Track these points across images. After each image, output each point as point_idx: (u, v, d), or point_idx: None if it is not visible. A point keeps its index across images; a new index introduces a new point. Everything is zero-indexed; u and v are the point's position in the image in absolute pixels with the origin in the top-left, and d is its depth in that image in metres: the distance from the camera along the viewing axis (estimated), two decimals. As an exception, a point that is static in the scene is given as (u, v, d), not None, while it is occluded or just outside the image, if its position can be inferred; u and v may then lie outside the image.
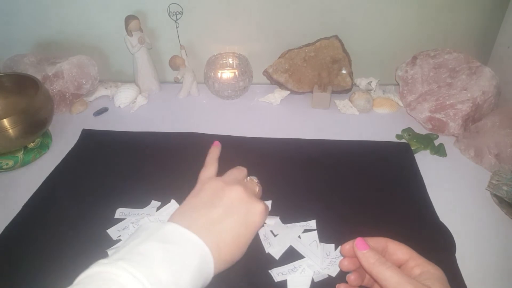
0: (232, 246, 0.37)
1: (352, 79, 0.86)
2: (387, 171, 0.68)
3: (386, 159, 0.70)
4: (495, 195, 0.61)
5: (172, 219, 0.38)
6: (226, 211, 0.38)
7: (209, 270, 0.35)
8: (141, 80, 0.91)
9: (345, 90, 0.87)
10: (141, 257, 0.31)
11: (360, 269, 0.39)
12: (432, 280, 0.33)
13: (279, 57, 0.87)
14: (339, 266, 0.41)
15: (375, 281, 0.36)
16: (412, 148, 0.72)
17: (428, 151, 0.73)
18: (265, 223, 0.58)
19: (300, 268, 0.52)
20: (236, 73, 0.86)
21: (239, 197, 0.40)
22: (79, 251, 0.55)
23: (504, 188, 0.60)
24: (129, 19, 0.83)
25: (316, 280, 0.51)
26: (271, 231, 0.57)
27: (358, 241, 0.37)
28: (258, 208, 0.40)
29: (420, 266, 0.35)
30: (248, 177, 0.47)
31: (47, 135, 0.78)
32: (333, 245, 0.55)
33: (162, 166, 0.70)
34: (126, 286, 0.28)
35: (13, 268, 0.54)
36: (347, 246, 0.39)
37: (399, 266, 0.37)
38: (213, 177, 0.44)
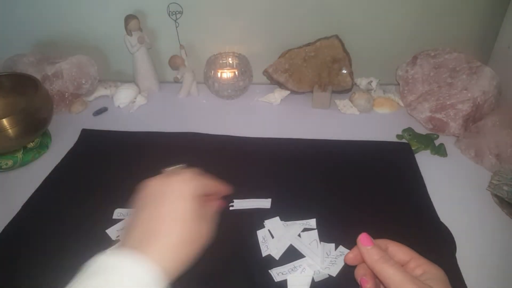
0: (169, 230, 0.34)
1: (352, 79, 0.86)
2: (388, 171, 0.68)
3: (386, 159, 0.70)
4: (495, 195, 0.61)
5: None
6: (144, 209, 0.36)
7: (149, 274, 0.32)
8: (141, 80, 0.91)
9: (345, 90, 0.87)
10: None
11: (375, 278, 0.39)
12: (434, 280, 0.33)
13: (279, 57, 0.87)
14: (344, 260, 0.40)
15: (378, 278, 0.36)
16: (413, 148, 0.72)
17: (428, 151, 0.72)
18: (264, 224, 0.58)
19: (300, 267, 0.52)
20: (236, 73, 0.86)
21: (152, 189, 0.38)
22: (78, 251, 0.55)
23: (505, 188, 0.60)
24: (128, 18, 0.83)
25: (316, 280, 0.51)
26: (270, 232, 0.57)
27: (363, 237, 0.37)
28: (204, 230, 0.37)
29: (422, 266, 0.35)
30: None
31: (46, 135, 0.78)
32: (333, 245, 0.55)
33: (161, 166, 0.70)
34: None
35: (12, 268, 0.54)
36: (351, 255, 0.39)
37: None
38: None
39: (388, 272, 0.34)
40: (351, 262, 0.40)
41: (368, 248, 0.36)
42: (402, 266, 0.37)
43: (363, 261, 0.38)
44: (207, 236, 0.37)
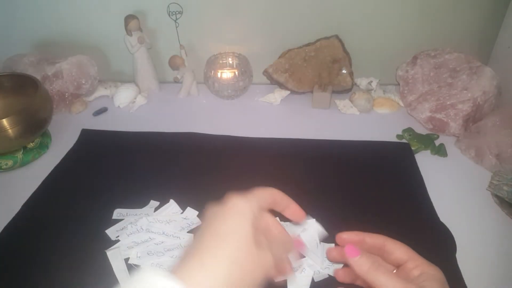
0: None
1: (352, 79, 0.86)
2: (388, 171, 0.68)
3: (386, 159, 0.70)
4: (495, 196, 0.61)
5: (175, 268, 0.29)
6: (217, 245, 0.29)
7: None
8: (141, 80, 0.91)
9: (346, 90, 0.87)
10: None
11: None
12: (430, 281, 0.33)
13: (279, 57, 0.87)
14: (326, 256, 0.39)
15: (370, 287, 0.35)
16: (413, 148, 0.72)
17: (428, 151, 0.72)
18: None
19: (300, 268, 0.52)
20: (236, 73, 0.86)
21: (237, 228, 0.30)
22: (77, 252, 0.55)
23: (505, 188, 0.60)
24: (128, 18, 0.83)
25: (316, 280, 0.51)
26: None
27: (348, 249, 0.35)
28: (263, 258, 0.30)
29: (420, 267, 0.34)
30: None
31: (46, 135, 0.78)
32: (333, 245, 0.55)
33: (161, 166, 0.70)
34: None
35: (12, 268, 0.54)
36: (334, 252, 0.37)
37: (398, 267, 0.37)
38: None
39: (380, 280, 0.32)
40: (342, 279, 0.38)
41: (356, 259, 0.34)
42: (399, 266, 0.36)
43: (355, 276, 0.37)
44: (265, 267, 0.30)
